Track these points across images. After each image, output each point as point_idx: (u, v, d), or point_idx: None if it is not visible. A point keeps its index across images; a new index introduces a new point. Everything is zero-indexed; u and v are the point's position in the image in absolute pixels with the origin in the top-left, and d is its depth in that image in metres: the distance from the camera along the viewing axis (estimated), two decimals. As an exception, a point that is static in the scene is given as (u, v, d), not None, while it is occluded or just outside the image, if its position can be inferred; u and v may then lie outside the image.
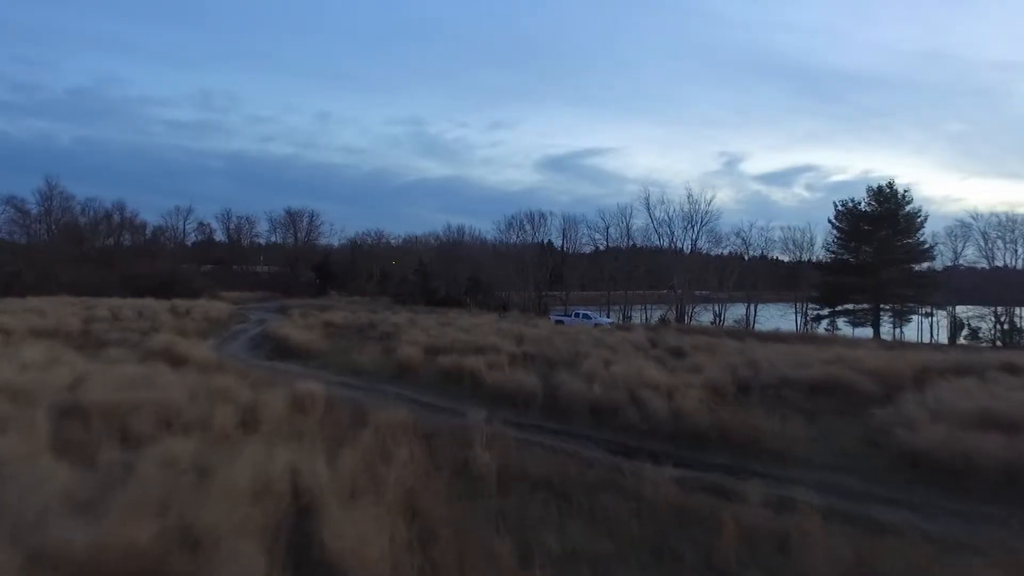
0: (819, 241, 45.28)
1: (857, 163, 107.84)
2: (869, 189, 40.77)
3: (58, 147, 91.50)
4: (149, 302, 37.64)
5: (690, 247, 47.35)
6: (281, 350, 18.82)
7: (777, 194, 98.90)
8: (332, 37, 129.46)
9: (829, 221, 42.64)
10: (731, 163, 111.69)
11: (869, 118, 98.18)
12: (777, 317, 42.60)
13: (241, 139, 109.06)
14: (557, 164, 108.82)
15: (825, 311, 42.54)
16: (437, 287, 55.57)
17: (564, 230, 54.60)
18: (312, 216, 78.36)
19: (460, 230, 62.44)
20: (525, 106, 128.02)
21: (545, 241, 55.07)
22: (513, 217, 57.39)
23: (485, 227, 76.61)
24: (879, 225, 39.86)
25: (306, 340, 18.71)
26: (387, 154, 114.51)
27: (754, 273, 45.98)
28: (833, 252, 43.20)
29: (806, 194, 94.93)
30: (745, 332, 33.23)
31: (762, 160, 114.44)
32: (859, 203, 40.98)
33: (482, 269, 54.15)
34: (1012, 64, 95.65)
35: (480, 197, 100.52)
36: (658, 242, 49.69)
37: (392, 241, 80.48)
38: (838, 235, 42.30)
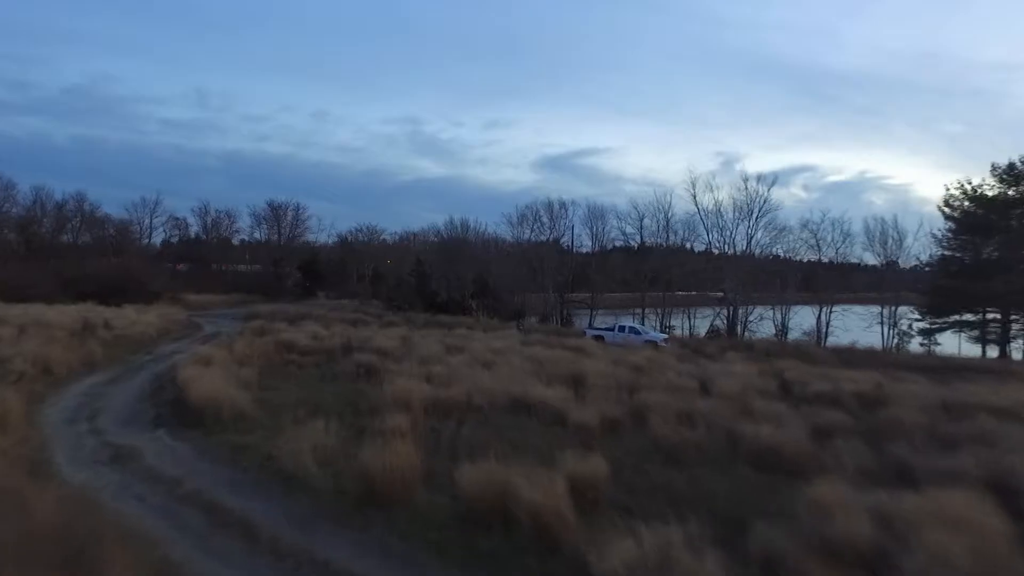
0: (910, 238, 36.88)
1: (854, 163, 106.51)
2: (994, 167, 32.40)
3: (54, 145, 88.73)
4: (76, 309, 29.88)
5: (745, 243, 39.37)
6: (181, 409, 10.94)
7: (774, 194, 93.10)
8: (327, 36, 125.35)
9: (939, 208, 34.38)
10: (728, 163, 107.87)
11: (865, 118, 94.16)
12: (859, 329, 34.76)
13: (237, 138, 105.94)
14: (554, 164, 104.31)
15: (928, 321, 34.33)
16: (437, 290, 47.67)
17: (590, 223, 46.10)
18: (297, 209, 70.47)
19: (464, 224, 54.11)
20: (522, 105, 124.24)
21: (564, 236, 46.90)
22: (527, 208, 49.12)
23: (488, 222, 68.96)
24: (1007, 213, 31.69)
25: (220, 392, 10.81)
26: (383, 153, 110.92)
27: (824, 275, 38.05)
28: (946, 248, 34.95)
29: (803, 194, 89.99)
30: (869, 354, 25.41)
31: (759, 160, 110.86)
32: (979, 185, 32.77)
33: (490, 269, 46.25)
34: (1008, 65, 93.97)
35: (477, 197, 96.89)
36: (707, 237, 41.54)
37: (387, 238, 72.45)
38: (952, 226, 34.08)
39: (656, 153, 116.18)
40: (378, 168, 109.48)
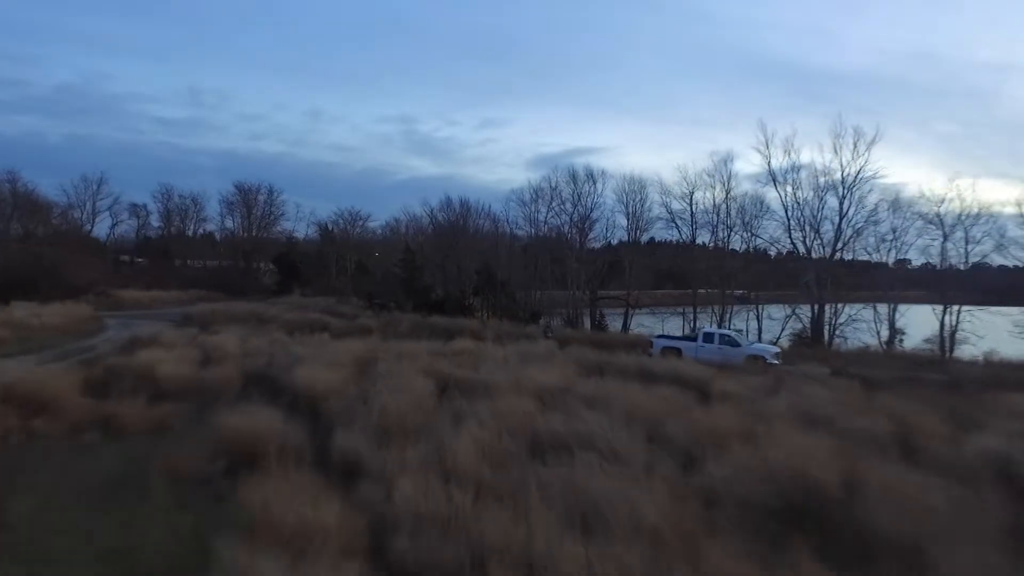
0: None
1: (849, 163, 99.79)
2: None
3: (47, 144, 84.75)
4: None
5: (836, 221, 29.98)
6: None
7: (770, 193, 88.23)
8: (322, 34, 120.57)
9: None
10: (723, 162, 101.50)
11: (860, 118, 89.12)
12: (1005, 336, 25.81)
13: (232, 137, 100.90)
14: (549, 163, 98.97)
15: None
16: (431, 284, 38.59)
17: (625, 199, 36.09)
18: (270, 193, 60.97)
19: (464, 205, 44.00)
20: (516, 104, 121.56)
21: (588, 218, 37.16)
22: (544, 180, 39.28)
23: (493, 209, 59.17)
24: None
25: None
26: (378, 152, 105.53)
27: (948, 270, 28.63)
28: None
29: (799, 193, 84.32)
30: None
31: (755, 159, 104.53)
32: None
33: (498, 259, 37.16)
34: (1003, 65, 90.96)
35: (473, 196, 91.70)
36: (785, 217, 31.74)
37: (374, 226, 62.36)
38: None
39: (652, 152, 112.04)
40: (374, 167, 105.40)
